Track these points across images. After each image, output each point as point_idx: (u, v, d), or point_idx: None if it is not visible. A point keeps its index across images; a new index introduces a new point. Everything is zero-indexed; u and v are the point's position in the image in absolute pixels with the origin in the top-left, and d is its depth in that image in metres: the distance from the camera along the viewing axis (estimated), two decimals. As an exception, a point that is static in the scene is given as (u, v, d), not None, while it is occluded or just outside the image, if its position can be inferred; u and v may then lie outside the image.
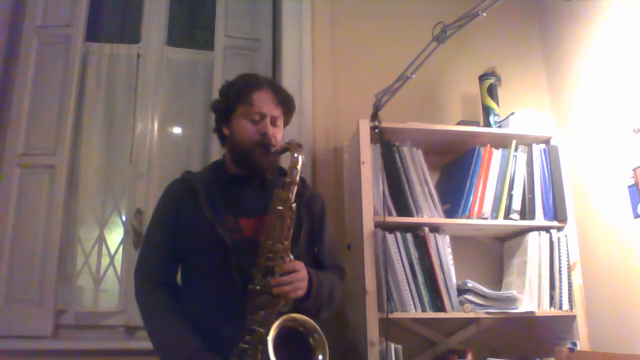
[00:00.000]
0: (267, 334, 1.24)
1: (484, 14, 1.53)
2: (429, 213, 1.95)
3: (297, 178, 1.40)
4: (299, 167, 1.41)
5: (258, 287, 1.34)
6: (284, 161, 1.56)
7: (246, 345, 1.31)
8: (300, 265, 1.37)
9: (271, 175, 1.56)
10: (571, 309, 1.93)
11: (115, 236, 2.33)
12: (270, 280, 1.33)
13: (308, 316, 1.33)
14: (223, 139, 1.60)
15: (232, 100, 1.54)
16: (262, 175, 1.55)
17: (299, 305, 1.37)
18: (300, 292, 1.36)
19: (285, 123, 1.61)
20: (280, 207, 1.38)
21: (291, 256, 1.37)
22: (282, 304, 1.32)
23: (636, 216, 1.93)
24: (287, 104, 1.57)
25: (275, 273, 1.33)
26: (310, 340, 1.29)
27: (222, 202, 1.48)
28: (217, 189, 1.51)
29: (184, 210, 1.48)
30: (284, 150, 1.47)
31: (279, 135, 1.53)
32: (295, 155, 1.42)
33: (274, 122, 1.52)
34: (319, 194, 1.70)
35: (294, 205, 1.39)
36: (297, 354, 1.30)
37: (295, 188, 1.41)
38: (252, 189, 1.54)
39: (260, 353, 1.28)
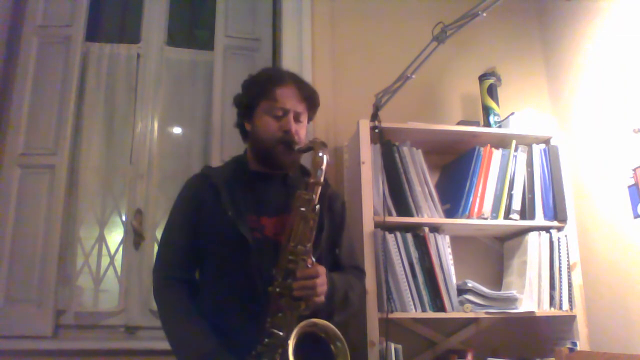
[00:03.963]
0: (288, 337, 1.20)
1: (484, 14, 1.53)
2: (429, 213, 1.95)
3: (322, 179, 1.35)
4: (323, 167, 1.35)
5: (278, 290, 1.30)
6: (305, 160, 1.51)
7: (264, 348, 1.27)
8: (322, 270, 1.32)
9: (293, 174, 1.53)
10: (571, 309, 1.93)
11: (115, 236, 2.32)
12: (292, 284, 1.28)
13: (321, 319, 1.30)
14: (245, 135, 1.57)
15: (254, 95, 1.51)
16: (285, 172, 1.51)
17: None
18: (322, 298, 1.31)
19: (309, 119, 1.57)
20: (303, 209, 1.33)
21: (313, 259, 1.33)
22: (302, 307, 1.28)
23: (636, 216, 1.93)
24: (311, 100, 1.53)
25: (297, 276, 1.29)
26: (332, 347, 1.26)
27: (243, 200, 1.44)
28: (239, 186, 1.47)
29: (205, 207, 1.45)
30: (308, 148, 1.41)
31: (302, 131, 1.49)
32: (320, 154, 1.36)
33: (297, 118, 1.48)
34: (339, 193, 1.64)
35: (317, 206, 1.34)
36: (316, 358, 1.27)
37: (319, 189, 1.36)
38: (274, 187, 1.50)
39: (279, 356, 1.25)
